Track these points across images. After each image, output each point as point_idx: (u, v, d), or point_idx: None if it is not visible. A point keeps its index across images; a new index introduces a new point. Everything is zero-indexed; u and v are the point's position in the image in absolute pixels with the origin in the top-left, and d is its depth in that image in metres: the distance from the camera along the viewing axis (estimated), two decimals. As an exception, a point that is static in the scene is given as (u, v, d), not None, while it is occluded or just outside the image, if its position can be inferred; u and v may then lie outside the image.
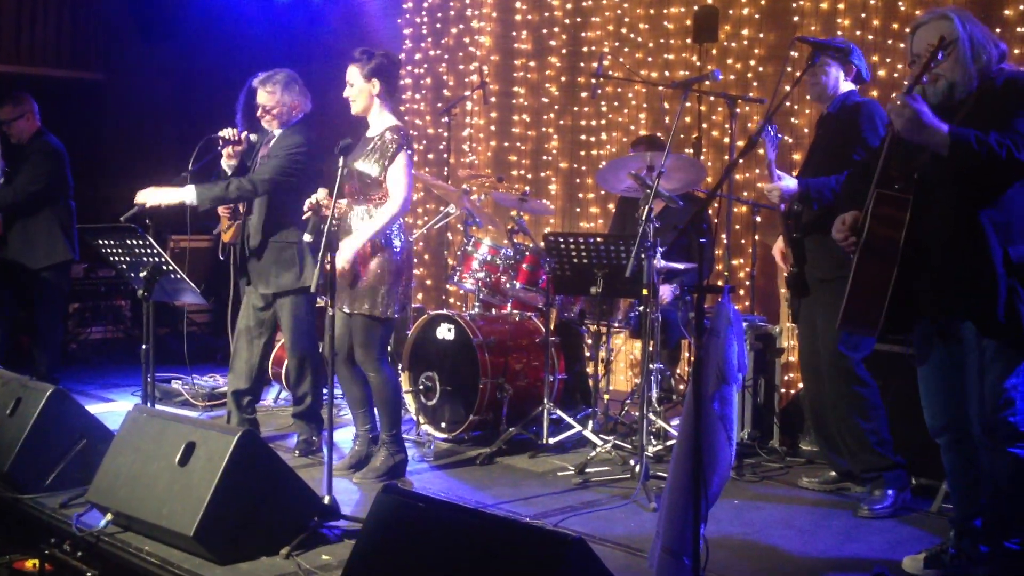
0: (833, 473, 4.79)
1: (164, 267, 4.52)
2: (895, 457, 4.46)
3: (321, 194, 4.58)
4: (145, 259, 4.54)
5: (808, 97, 4.81)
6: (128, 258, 4.64)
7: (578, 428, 5.39)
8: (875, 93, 5.59)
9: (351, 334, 4.74)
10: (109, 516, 3.98)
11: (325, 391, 5.10)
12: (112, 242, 4.65)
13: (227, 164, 5.15)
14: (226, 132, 5.07)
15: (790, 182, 4.47)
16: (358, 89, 4.72)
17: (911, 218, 3.37)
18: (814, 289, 4.53)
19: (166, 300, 4.95)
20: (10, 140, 6.46)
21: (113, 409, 6.13)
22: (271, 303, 5.21)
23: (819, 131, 4.67)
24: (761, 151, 4.51)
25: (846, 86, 4.53)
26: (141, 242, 4.51)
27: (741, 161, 4.67)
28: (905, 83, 3.43)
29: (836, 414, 4.54)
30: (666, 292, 5.52)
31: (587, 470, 4.94)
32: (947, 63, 3.38)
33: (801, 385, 5.78)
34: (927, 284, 3.40)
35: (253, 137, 5.18)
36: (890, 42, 5.84)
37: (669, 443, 5.22)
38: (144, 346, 4.53)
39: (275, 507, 3.79)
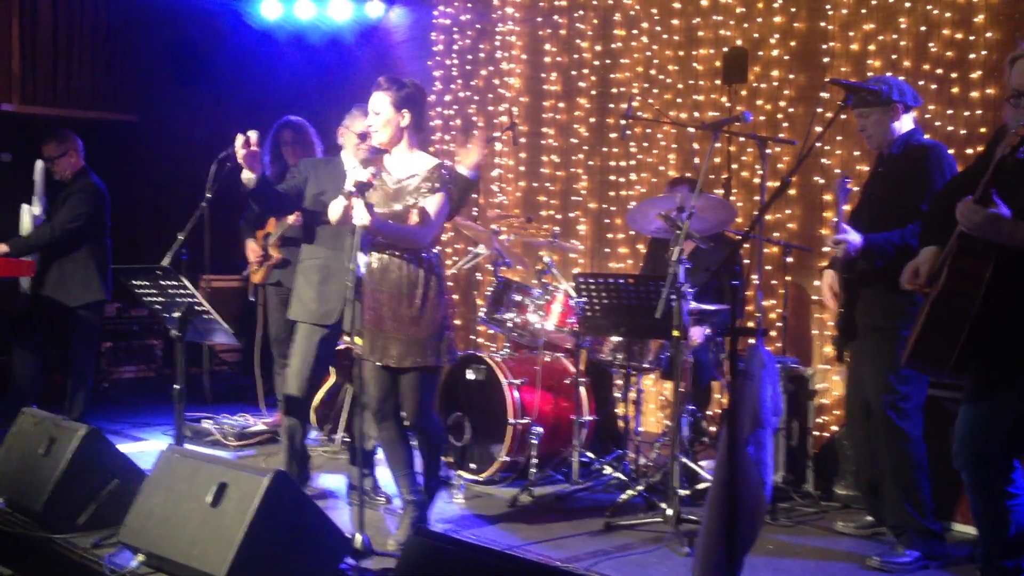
0: (869, 518, 4.72)
1: (197, 307, 4.55)
2: (931, 524, 4.32)
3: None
4: (179, 300, 4.57)
5: (868, 145, 4.68)
6: (162, 299, 4.67)
7: (609, 470, 5.35)
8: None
9: (402, 390, 4.38)
10: (140, 557, 3.98)
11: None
12: (146, 283, 4.68)
13: (246, 177, 4.60)
14: (238, 143, 4.51)
15: (855, 237, 4.27)
16: (384, 119, 4.25)
17: (992, 272, 3.24)
18: (863, 335, 4.43)
19: (198, 340, 4.98)
20: (53, 177, 6.55)
21: (145, 449, 6.16)
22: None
23: (879, 170, 4.51)
24: (828, 196, 4.27)
25: (906, 124, 4.40)
26: (175, 283, 4.54)
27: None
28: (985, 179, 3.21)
29: (879, 461, 4.46)
30: (697, 334, 5.47)
31: (618, 513, 4.90)
32: None
33: (836, 428, 5.73)
34: (1002, 336, 3.29)
35: (252, 135, 4.52)
36: (921, 83, 5.81)
37: (701, 486, 5.17)
38: (177, 386, 4.56)
39: (306, 548, 3.79)
